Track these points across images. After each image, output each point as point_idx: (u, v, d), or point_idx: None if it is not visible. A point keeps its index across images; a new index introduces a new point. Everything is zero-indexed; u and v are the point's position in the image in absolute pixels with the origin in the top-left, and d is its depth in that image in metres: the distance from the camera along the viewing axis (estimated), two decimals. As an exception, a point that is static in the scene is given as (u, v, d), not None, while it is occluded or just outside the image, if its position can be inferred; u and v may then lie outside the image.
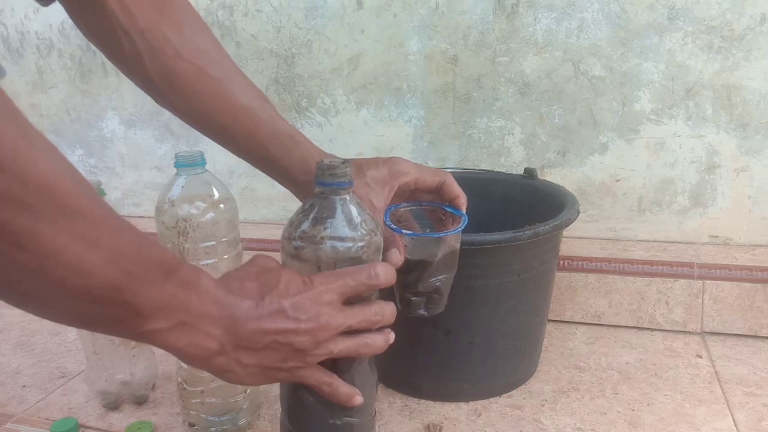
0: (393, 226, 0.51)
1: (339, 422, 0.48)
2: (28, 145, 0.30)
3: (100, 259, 0.34)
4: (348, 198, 0.46)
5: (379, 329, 0.47)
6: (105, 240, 0.34)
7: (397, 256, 0.50)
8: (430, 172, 0.55)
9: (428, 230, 0.56)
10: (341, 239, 0.45)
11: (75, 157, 1.23)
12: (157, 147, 1.16)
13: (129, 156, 1.19)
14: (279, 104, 1.05)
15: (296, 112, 1.04)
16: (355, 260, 0.45)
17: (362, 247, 0.45)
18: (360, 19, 0.97)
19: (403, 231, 0.51)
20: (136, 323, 0.37)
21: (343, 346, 0.44)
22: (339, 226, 0.45)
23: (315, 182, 0.46)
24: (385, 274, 0.45)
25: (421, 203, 0.57)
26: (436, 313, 0.56)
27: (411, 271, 0.53)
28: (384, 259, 0.49)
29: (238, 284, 0.43)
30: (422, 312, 0.56)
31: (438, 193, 0.55)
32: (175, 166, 0.57)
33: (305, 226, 0.45)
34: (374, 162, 0.53)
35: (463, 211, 0.55)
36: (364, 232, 0.46)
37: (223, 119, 0.52)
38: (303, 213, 0.46)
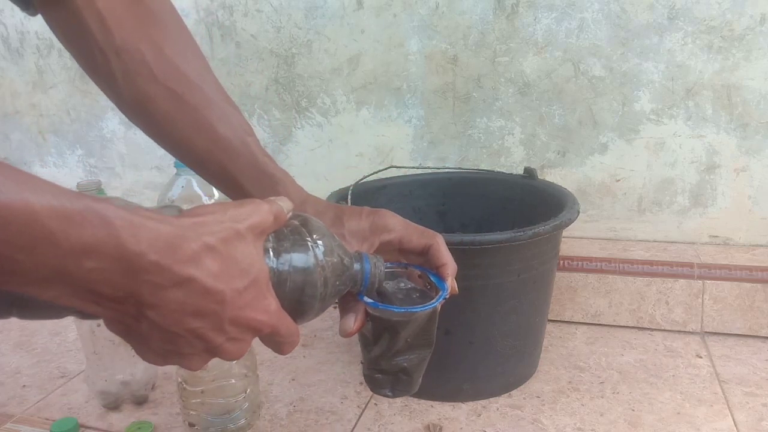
0: (368, 300, 0.45)
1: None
2: None
3: None
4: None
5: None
6: None
7: (350, 325, 0.45)
8: (416, 233, 0.48)
9: (415, 295, 0.48)
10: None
11: (75, 157, 1.23)
12: (157, 147, 1.15)
13: (129, 156, 1.19)
14: (279, 104, 1.05)
15: (296, 112, 1.04)
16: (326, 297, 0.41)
17: (324, 275, 0.41)
18: (360, 19, 0.97)
19: (364, 297, 0.44)
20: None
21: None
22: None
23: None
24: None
25: (406, 265, 0.49)
26: (403, 395, 0.50)
27: (376, 344, 0.47)
28: (340, 325, 0.45)
29: None
30: (387, 393, 0.49)
31: (424, 257, 0.49)
32: (174, 166, 0.58)
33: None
34: (357, 213, 0.48)
35: (448, 282, 0.47)
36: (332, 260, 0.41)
37: (198, 152, 0.48)
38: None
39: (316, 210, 0.48)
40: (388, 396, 0.49)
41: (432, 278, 0.48)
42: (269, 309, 0.37)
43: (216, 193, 0.58)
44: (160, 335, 0.34)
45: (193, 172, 0.58)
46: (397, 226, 0.48)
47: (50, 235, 0.27)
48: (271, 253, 0.38)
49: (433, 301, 0.46)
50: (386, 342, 0.47)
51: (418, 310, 0.45)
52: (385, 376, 0.49)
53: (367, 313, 0.46)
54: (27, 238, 0.27)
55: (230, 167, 0.47)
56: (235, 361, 0.62)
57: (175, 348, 0.35)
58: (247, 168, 0.48)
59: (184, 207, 0.42)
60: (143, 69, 0.45)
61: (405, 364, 0.48)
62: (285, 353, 0.40)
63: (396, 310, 0.45)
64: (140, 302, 0.32)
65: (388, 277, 0.48)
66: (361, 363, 0.50)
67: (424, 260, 0.49)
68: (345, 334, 0.45)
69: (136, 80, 0.46)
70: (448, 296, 0.47)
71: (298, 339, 0.40)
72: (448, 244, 0.59)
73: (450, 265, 0.48)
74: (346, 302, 0.46)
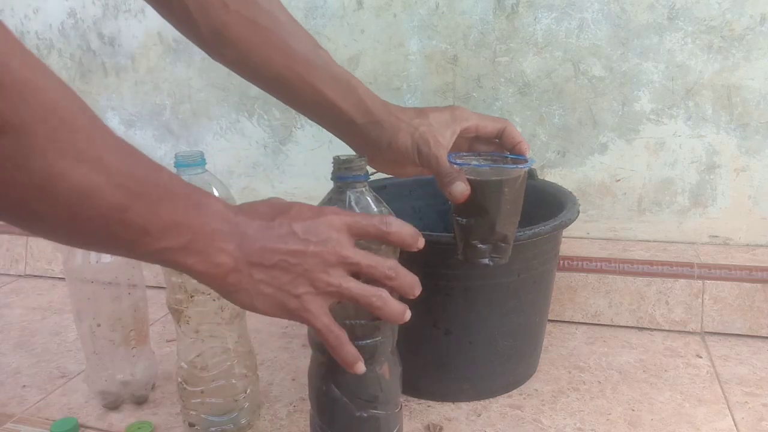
0: (458, 161, 0.52)
1: (365, 415, 0.50)
2: (27, 69, 0.30)
3: (106, 181, 0.34)
4: (364, 191, 0.49)
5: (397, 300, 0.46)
6: (111, 161, 0.34)
7: (463, 187, 0.50)
8: (490, 119, 0.55)
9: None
10: None
11: (75, 157, 1.23)
12: (157, 147, 1.16)
13: (129, 156, 1.19)
14: (279, 104, 1.04)
15: (296, 112, 1.04)
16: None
17: None
18: (360, 19, 0.97)
19: (471, 162, 0.52)
20: (145, 243, 0.37)
21: (353, 285, 0.43)
22: None
23: (332, 177, 0.48)
24: (399, 226, 0.44)
25: (480, 153, 0.57)
26: (500, 263, 0.55)
27: (478, 214, 0.52)
28: (449, 193, 0.51)
29: (248, 207, 0.43)
30: (486, 261, 0.54)
31: (499, 140, 0.56)
32: (174, 166, 0.57)
33: None
34: (436, 108, 0.55)
35: (528, 155, 0.55)
36: None
37: (277, 68, 0.52)
38: None
39: (398, 109, 0.55)
40: (487, 265, 0.55)
41: (511, 158, 0.55)
42: (355, 250, 0.43)
43: (216, 193, 0.58)
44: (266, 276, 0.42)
45: (193, 172, 0.58)
46: (473, 115, 0.55)
47: (190, 216, 0.39)
48: None
49: (528, 162, 0.52)
50: (491, 209, 0.52)
51: (521, 167, 0.52)
52: (486, 245, 0.54)
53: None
54: (178, 215, 0.38)
55: (309, 78, 0.52)
56: (235, 361, 0.62)
57: (284, 285, 0.42)
58: (325, 77, 0.53)
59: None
60: (214, 0, 0.49)
61: (506, 232, 0.53)
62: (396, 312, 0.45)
63: (504, 167, 0.53)
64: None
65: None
66: (459, 240, 0.55)
67: (496, 147, 0.56)
68: (463, 196, 0.50)
69: (210, 11, 0.50)
70: (534, 166, 0.57)
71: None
72: (448, 244, 0.60)
73: (525, 142, 0.55)
74: (446, 174, 0.51)
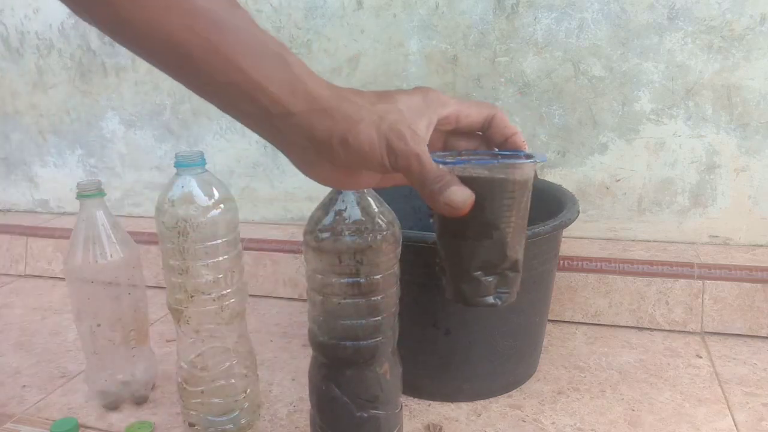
0: (449, 160, 0.38)
1: (365, 415, 0.50)
2: None
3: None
4: (365, 191, 0.49)
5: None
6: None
7: (465, 194, 0.36)
8: (474, 104, 0.41)
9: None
10: (360, 231, 0.47)
11: (75, 157, 1.23)
12: (157, 147, 1.16)
13: (129, 156, 1.19)
14: (279, 104, 1.05)
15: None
16: (375, 251, 0.47)
17: (381, 238, 0.48)
18: (360, 19, 0.97)
19: (471, 159, 0.38)
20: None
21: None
22: (358, 218, 0.48)
23: None
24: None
25: (461, 152, 0.42)
26: (509, 302, 0.41)
27: (482, 233, 0.38)
28: (445, 204, 0.36)
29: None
30: (492, 300, 0.40)
31: (486, 132, 0.41)
32: (174, 166, 0.57)
33: (326, 220, 0.48)
34: (403, 90, 0.40)
35: (526, 148, 0.41)
36: (382, 223, 0.48)
37: (171, 30, 0.34)
38: (323, 208, 0.49)
39: (353, 92, 0.39)
40: (493, 305, 0.40)
41: (505, 154, 0.41)
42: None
43: (216, 193, 0.58)
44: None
45: (193, 173, 0.57)
46: (451, 100, 0.41)
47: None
48: None
49: (533, 158, 0.38)
50: (502, 224, 0.38)
51: (525, 161, 0.38)
52: (491, 277, 0.40)
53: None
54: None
55: (221, 46, 0.35)
56: (235, 361, 0.62)
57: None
58: (246, 45, 0.36)
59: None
60: None
61: (517, 256, 0.39)
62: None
63: (509, 161, 0.38)
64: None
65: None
66: (450, 277, 0.41)
67: (481, 142, 0.42)
68: (466, 205, 0.36)
69: None
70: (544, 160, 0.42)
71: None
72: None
73: (519, 133, 0.41)
74: (435, 179, 0.36)
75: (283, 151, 0.41)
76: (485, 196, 0.37)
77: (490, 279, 0.40)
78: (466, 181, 0.36)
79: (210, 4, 0.35)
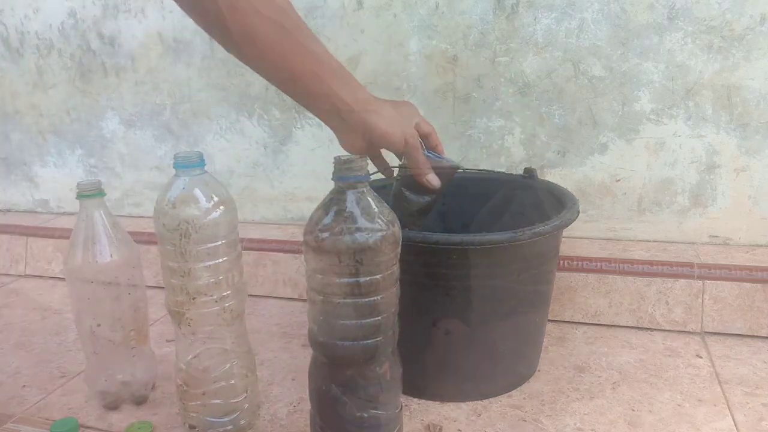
0: (443, 157, 0.66)
1: (366, 415, 0.50)
2: None
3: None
4: (365, 191, 0.49)
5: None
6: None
7: (437, 180, 0.65)
8: (424, 120, 0.67)
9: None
10: (360, 230, 0.48)
11: (75, 157, 1.23)
12: (156, 147, 1.16)
13: (129, 156, 1.19)
14: (279, 104, 1.05)
15: (296, 112, 1.04)
16: (375, 251, 0.48)
17: (380, 238, 0.48)
18: (360, 19, 0.97)
19: (453, 160, 0.68)
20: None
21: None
22: (357, 218, 0.48)
23: (333, 177, 0.49)
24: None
25: (428, 151, 0.68)
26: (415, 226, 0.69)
27: (426, 197, 0.67)
28: (424, 184, 0.65)
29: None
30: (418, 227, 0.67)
31: (424, 140, 0.67)
32: (174, 167, 0.57)
33: (326, 220, 0.49)
34: (403, 101, 0.68)
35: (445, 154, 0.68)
36: (382, 223, 0.48)
37: (294, 65, 0.58)
38: (323, 208, 0.50)
39: (383, 100, 0.64)
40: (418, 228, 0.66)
41: (434, 157, 0.67)
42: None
43: (216, 195, 0.58)
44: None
45: (193, 173, 0.57)
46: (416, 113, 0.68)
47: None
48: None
49: (455, 163, 0.69)
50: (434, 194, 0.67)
51: (456, 164, 0.68)
52: (420, 219, 0.68)
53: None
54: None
55: (321, 73, 0.59)
56: (235, 362, 0.62)
57: None
58: (331, 70, 0.60)
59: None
60: (247, 5, 0.54)
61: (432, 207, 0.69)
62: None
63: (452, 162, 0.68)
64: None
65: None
66: (405, 215, 0.65)
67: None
68: (439, 186, 0.66)
69: (244, 18, 0.55)
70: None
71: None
72: (448, 244, 0.60)
73: (440, 145, 0.69)
74: (425, 165, 0.65)
75: (338, 134, 0.63)
76: (441, 176, 0.66)
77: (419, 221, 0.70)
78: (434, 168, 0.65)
79: (317, 47, 0.59)
